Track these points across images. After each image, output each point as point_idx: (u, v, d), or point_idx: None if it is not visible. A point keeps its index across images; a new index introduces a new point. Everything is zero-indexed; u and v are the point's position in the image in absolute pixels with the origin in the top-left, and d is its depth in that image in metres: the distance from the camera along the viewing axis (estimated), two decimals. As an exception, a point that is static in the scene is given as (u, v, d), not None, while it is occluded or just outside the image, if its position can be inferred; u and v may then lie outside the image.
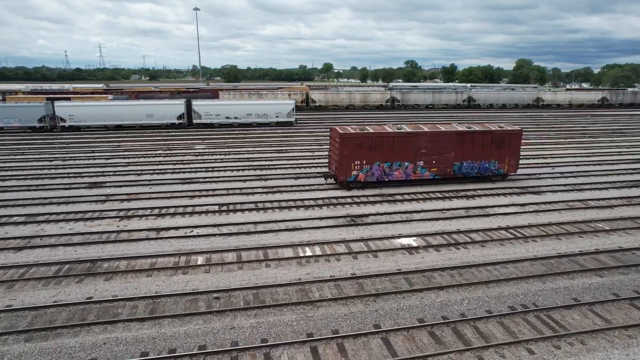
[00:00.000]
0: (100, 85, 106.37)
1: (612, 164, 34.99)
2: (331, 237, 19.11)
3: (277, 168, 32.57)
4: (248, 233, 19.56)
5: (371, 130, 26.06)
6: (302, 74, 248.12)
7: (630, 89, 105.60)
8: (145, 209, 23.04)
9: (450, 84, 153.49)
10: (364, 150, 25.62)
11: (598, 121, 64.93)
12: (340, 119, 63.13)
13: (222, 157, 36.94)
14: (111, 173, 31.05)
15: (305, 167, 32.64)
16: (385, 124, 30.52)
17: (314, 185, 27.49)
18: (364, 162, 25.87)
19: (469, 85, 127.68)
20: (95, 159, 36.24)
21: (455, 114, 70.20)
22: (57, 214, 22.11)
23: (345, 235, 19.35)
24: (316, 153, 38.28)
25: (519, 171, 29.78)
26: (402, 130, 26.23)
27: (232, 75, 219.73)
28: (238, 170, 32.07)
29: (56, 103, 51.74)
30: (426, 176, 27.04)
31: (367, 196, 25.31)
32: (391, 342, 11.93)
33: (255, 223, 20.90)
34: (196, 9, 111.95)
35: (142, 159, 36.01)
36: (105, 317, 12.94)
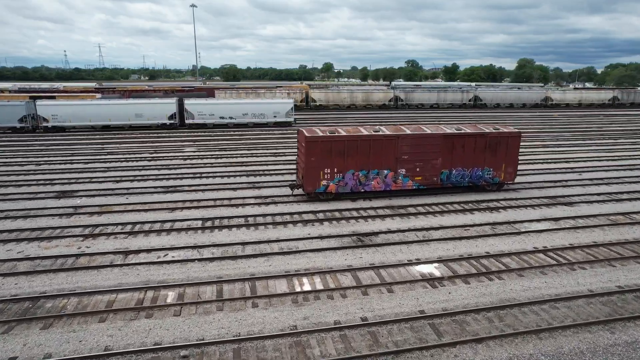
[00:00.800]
0: (93, 84, 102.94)
1: (644, 169, 31.60)
2: (335, 263, 15.73)
3: (273, 174, 29.17)
4: (234, 257, 16.17)
5: (343, 133, 22.34)
6: (302, 74, 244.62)
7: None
8: (117, 224, 19.65)
9: (455, 83, 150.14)
10: (335, 157, 22.02)
11: (613, 121, 61.57)
12: (341, 119, 59.76)
13: (213, 161, 33.56)
14: (87, 180, 27.65)
15: (304, 173, 29.20)
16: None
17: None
18: (335, 170, 22.27)
19: (473, 84, 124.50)
20: (73, 163, 32.86)
21: (461, 114, 66.85)
22: (10, 231, 18.71)
23: (352, 261, 15.96)
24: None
25: (519, 179, 26.56)
26: (380, 133, 22.54)
27: (231, 74, 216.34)
28: (229, 176, 28.68)
29: (38, 102, 48.34)
30: (409, 186, 23.43)
31: (374, 208, 21.91)
32: None
33: (243, 243, 17.51)
34: (193, 5, 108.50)
35: (124, 164, 32.62)
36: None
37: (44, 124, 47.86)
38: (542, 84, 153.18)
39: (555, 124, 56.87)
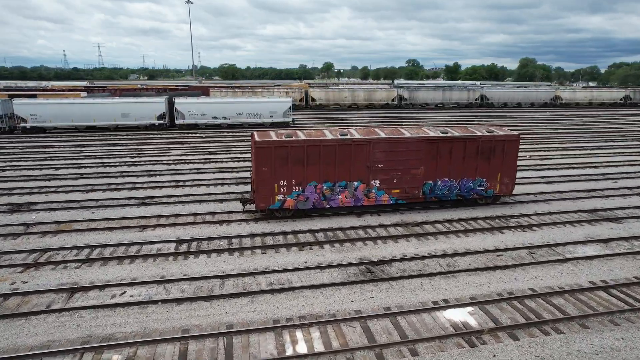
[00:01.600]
0: (84, 83, 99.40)
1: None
2: (338, 307, 12.15)
3: (266, 182, 25.55)
4: (208, 298, 12.59)
5: (303, 137, 18.53)
6: (302, 73, 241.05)
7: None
8: (71, 248, 16.08)
9: (459, 81, 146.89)
10: (293, 166, 18.23)
11: (630, 121, 57.97)
12: (342, 119, 56.19)
13: (200, 166, 29.96)
14: (52, 189, 24.07)
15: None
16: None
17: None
18: (294, 182, 18.49)
19: (478, 83, 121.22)
20: (42, 168, 29.27)
21: (468, 114, 63.32)
22: None
23: (361, 303, 12.38)
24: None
25: (537, 187, 22.91)
26: (348, 137, 18.65)
27: (230, 73, 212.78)
28: (216, 185, 25.11)
29: (15, 101, 44.70)
30: (384, 200, 19.58)
31: (384, 226, 18.35)
32: None
33: (222, 276, 13.94)
34: (188, 1, 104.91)
35: (100, 169, 29.04)
36: None
37: (22, 125, 44.28)
38: (549, 83, 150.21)
39: (569, 125, 53.31)
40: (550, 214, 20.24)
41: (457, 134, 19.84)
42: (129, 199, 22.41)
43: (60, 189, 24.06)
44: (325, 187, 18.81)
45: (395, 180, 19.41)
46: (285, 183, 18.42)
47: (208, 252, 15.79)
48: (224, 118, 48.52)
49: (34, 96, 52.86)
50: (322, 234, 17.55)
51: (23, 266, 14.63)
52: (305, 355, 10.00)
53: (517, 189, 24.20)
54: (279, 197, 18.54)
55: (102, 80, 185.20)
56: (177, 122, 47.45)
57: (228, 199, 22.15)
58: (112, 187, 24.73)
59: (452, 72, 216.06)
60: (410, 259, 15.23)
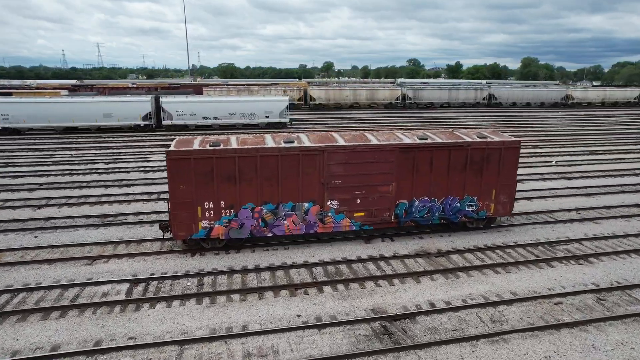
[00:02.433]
0: (73, 81, 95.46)
1: None
2: (345, 401, 8.21)
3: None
4: (155, 385, 8.64)
5: (234, 145, 14.38)
6: (302, 73, 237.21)
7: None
8: (-11, 292, 12.12)
9: (464, 80, 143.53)
10: (222, 183, 14.08)
11: (653, 122, 54.07)
12: (343, 119, 52.26)
13: (181, 174, 25.95)
14: None
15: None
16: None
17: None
18: (223, 204, 14.30)
19: (484, 82, 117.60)
20: (-2, 177, 25.31)
21: (477, 114, 59.44)
22: None
23: (378, 395, 8.44)
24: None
25: (570, 201, 18.99)
26: (294, 145, 14.49)
27: (229, 73, 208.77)
28: (196, 198, 21.11)
29: (-16, 99, 40.83)
30: (345, 226, 15.36)
31: (400, 257, 14.41)
32: None
33: (182, 342, 9.99)
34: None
35: (66, 178, 25.07)
36: None
37: (-7, 126, 40.35)
38: (557, 82, 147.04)
39: (587, 125, 49.36)
40: (604, 238, 16.30)
41: (439, 140, 15.61)
42: (88, 217, 18.45)
43: (8, 204, 20.09)
44: (265, 211, 14.59)
45: (358, 201, 15.18)
46: (211, 205, 14.21)
47: (169, 300, 11.83)
48: (215, 118, 44.59)
49: (10, 94, 48.92)
50: (322, 269, 13.59)
51: None
52: None
53: (554, 203, 20.31)
54: (204, 223, 14.32)
55: (101, 80, 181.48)
56: (163, 122, 43.53)
57: (207, 218, 18.14)
58: (72, 201, 20.78)
59: (454, 71, 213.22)
60: (441, 311, 11.28)
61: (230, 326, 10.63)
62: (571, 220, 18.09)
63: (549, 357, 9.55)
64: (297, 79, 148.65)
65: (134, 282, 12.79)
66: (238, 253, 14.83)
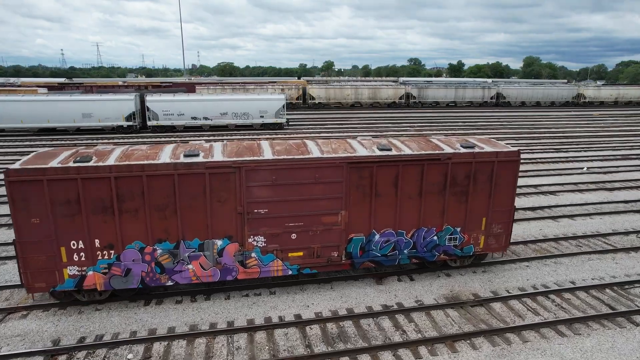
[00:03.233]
0: (61, 79, 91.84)
1: None
2: None
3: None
4: None
5: (112, 161, 10.14)
6: (302, 72, 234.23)
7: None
8: None
9: (470, 79, 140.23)
10: (94, 214, 10.07)
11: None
12: (344, 120, 48.57)
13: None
14: None
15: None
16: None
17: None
18: (98, 243, 10.25)
19: (489, 80, 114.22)
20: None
21: (486, 114, 55.78)
22: None
23: None
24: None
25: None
26: (199, 160, 10.41)
27: (228, 72, 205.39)
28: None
29: (-52, 98, 37.16)
30: (276, 270, 11.33)
31: (425, 309, 10.73)
32: None
33: None
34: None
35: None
36: None
37: (-42, 127, 36.74)
38: (565, 81, 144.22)
39: (605, 127, 45.66)
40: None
41: (407, 152, 11.49)
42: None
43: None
44: (160, 252, 10.58)
45: (294, 236, 11.14)
46: (81, 245, 10.17)
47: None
48: (206, 119, 40.93)
49: (-18, 93, 45.26)
50: (319, 330, 9.88)
51: None
52: None
53: (603, 223, 16.62)
54: (72, 270, 10.26)
55: (100, 79, 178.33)
56: (149, 123, 39.86)
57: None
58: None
59: (456, 70, 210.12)
60: (496, 408, 7.59)
61: None
62: (635, 249, 14.39)
63: None
64: (297, 78, 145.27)
65: (53, 353, 9.08)
66: (208, 301, 11.13)
